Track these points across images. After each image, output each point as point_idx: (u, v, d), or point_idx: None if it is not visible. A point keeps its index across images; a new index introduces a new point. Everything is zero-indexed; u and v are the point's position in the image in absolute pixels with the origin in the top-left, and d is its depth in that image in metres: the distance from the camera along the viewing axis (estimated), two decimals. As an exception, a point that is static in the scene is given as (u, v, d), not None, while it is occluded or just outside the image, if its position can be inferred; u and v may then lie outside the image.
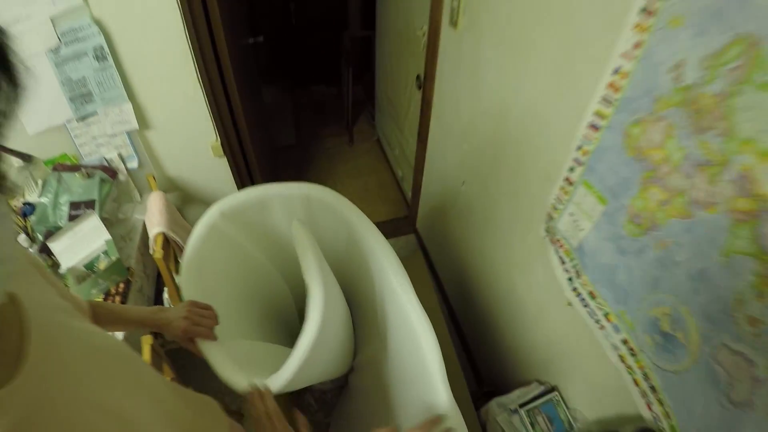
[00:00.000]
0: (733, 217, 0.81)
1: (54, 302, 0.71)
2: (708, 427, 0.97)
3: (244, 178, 2.61)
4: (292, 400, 2.02)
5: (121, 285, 1.84)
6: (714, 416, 0.95)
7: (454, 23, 1.88)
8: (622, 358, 1.22)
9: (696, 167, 0.86)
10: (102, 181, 2.07)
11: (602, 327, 1.25)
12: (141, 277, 2.00)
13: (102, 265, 1.78)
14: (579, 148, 1.15)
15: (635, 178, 1.00)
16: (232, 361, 1.16)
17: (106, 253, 1.81)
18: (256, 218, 1.52)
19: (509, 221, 1.70)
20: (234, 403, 2.17)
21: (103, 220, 1.94)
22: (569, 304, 1.38)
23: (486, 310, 2.12)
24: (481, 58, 1.70)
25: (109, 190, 2.10)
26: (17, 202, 2.00)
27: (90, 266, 1.78)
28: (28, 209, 1.97)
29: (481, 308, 2.17)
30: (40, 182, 2.04)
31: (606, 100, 1.03)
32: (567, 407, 1.58)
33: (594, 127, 1.08)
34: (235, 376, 1.13)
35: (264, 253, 1.64)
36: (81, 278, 1.73)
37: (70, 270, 1.76)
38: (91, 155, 2.14)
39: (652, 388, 1.13)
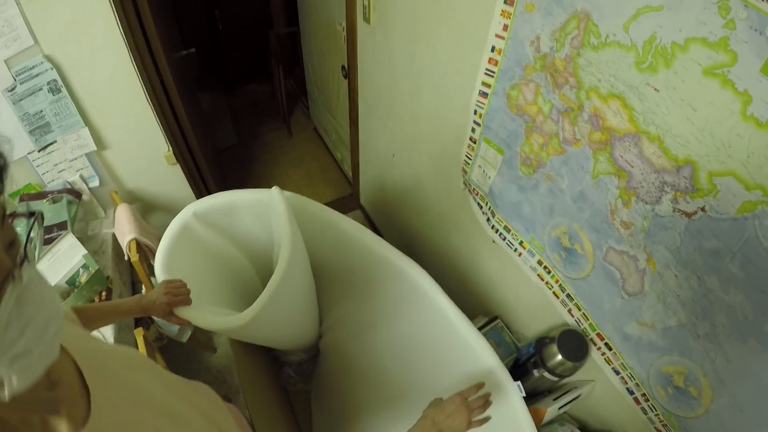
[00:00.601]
0: (593, 147, 1.05)
1: (73, 332, 0.74)
2: (617, 318, 1.16)
3: (197, 181, 2.72)
4: (274, 373, 2.16)
5: (103, 293, 1.91)
6: (618, 308, 1.14)
7: (367, 19, 2.07)
8: (540, 277, 1.45)
9: (561, 114, 1.11)
10: (69, 202, 2.13)
11: (520, 254, 1.50)
12: (119, 284, 2.08)
13: (83, 278, 1.84)
14: (476, 112, 1.39)
15: (520, 129, 1.26)
16: (207, 312, 1.31)
17: (85, 266, 1.87)
18: (226, 219, 1.66)
19: (435, 181, 1.93)
20: (221, 391, 2.27)
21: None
22: (493, 241, 1.63)
23: (430, 265, 2.28)
24: (393, 48, 1.90)
25: (77, 210, 2.16)
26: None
27: (71, 281, 1.83)
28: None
29: (426, 264, 2.34)
30: (9, 215, 2.08)
31: (489, 72, 1.28)
32: (510, 331, 1.81)
33: (483, 94, 1.33)
34: (214, 318, 1.28)
35: (238, 248, 1.80)
36: (65, 294, 1.79)
37: (54, 288, 1.80)
38: (54, 181, 2.21)
39: (569, 297, 1.34)
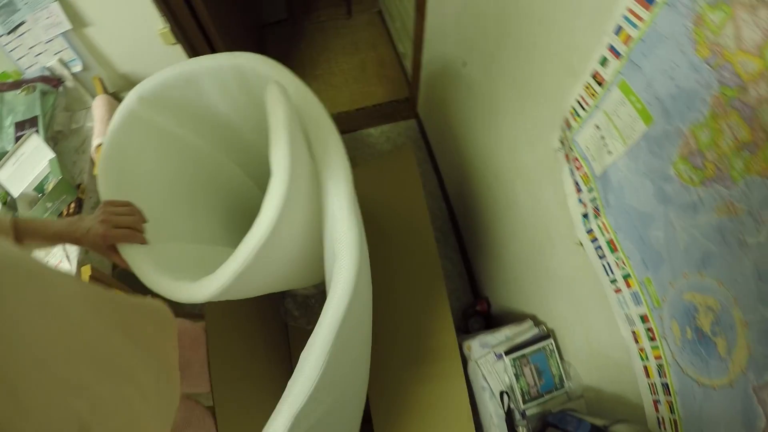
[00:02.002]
0: None
1: None
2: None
3: None
4: (271, 305, 1.96)
5: (72, 205, 1.80)
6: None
7: None
8: (636, 337, 0.96)
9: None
10: (43, 94, 1.98)
11: (618, 290, 0.96)
12: (95, 192, 1.90)
13: (50, 186, 1.75)
14: (618, 31, 0.74)
15: (705, 94, 0.62)
16: (155, 266, 1.07)
17: (51, 173, 1.78)
18: (184, 99, 1.33)
19: (515, 119, 1.35)
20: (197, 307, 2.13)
21: (57, 133, 1.98)
22: (580, 244, 1.07)
23: (486, 218, 1.84)
24: None
25: (55, 101, 2.02)
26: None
27: (40, 189, 1.77)
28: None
29: (481, 214, 1.89)
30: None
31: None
32: (561, 359, 1.34)
33: (646, 0, 0.67)
34: (160, 280, 1.05)
35: (205, 138, 1.46)
36: (32, 203, 1.72)
37: (21, 197, 1.73)
38: (32, 67, 2.06)
39: (666, 388, 0.91)
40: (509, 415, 1.32)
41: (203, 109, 1.36)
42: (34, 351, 0.66)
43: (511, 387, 1.33)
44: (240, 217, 1.60)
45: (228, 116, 1.40)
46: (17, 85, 2.00)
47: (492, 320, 1.96)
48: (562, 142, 1.03)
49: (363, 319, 1.22)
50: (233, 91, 1.30)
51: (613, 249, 0.93)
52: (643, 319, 0.91)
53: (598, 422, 1.07)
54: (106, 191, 1.17)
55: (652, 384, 0.94)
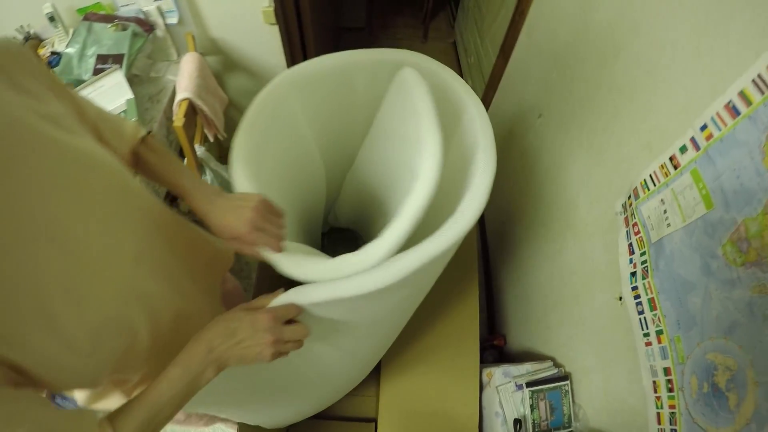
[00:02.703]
0: None
1: (40, 109, 0.69)
2: None
3: (296, 51, 2.46)
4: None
5: None
6: None
7: None
8: (655, 387, 1.13)
9: None
10: (135, 35, 2.02)
11: (649, 343, 1.14)
12: (163, 143, 1.97)
13: None
14: (703, 128, 0.94)
15: (761, 196, 0.82)
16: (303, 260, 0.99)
17: (125, 112, 1.81)
18: (329, 93, 1.36)
19: (581, 177, 1.53)
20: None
21: (134, 77, 2.01)
22: (620, 299, 1.25)
23: (523, 260, 2.01)
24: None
25: (142, 45, 2.06)
26: (45, 51, 2.03)
27: None
28: (55, 59, 1.97)
29: (518, 257, 2.07)
30: (71, 31, 2.05)
31: (760, 84, 0.82)
32: (573, 401, 1.51)
33: (733, 110, 0.87)
34: (308, 263, 0.96)
35: (313, 131, 1.46)
36: None
37: None
38: (128, 6, 2.10)
39: None
40: (515, 443, 1.49)
41: (338, 101, 1.39)
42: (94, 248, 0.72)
43: (525, 417, 1.51)
44: (306, 220, 1.60)
45: (352, 110, 1.43)
46: (108, 19, 2.03)
47: (505, 356, 2.14)
48: (624, 207, 1.23)
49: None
50: (383, 89, 1.30)
51: (652, 307, 1.12)
52: (666, 371, 1.08)
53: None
54: (241, 175, 1.11)
55: (661, 430, 1.10)
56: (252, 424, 1.56)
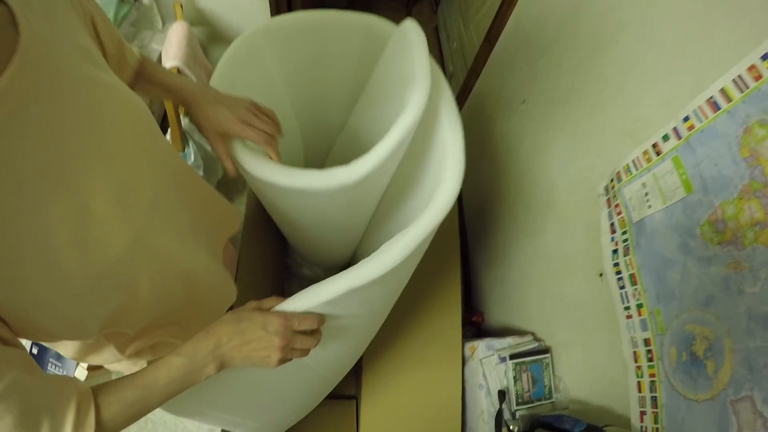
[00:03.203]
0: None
1: (74, 42, 0.70)
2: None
3: None
4: (273, 289, 2.04)
5: None
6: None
7: None
8: (636, 357, 1.24)
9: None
10: (121, 1, 2.01)
11: (629, 316, 1.25)
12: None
13: None
14: (686, 119, 1.05)
15: (737, 182, 0.93)
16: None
17: None
18: (300, 48, 1.41)
19: (564, 161, 1.63)
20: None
21: None
22: (601, 275, 1.37)
23: (503, 238, 2.12)
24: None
25: (128, 12, 2.07)
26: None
27: None
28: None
29: (499, 236, 2.18)
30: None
31: (740, 83, 0.93)
32: (553, 374, 1.63)
33: (714, 105, 0.98)
34: (288, 171, 1.00)
35: (290, 93, 1.52)
36: None
37: None
38: None
39: (654, 401, 1.17)
40: (499, 414, 1.60)
41: (313, 62, 1.43)
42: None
43: (508, 389, 1.62)
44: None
45: (327, 73, 1.48)
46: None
47: (483, 333, 2.24)
48: (606, 189, 1.34)
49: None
50: (353, 50, 1.39)
51: (633, 282, 1.23)
52: (646, 342, 1.19)
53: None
54: None
55: (641, 397, 1.22)
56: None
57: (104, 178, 0.71)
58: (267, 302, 0.91)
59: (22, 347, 0.66)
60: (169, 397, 0.78)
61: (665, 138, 1.12)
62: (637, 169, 1.22)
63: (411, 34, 1.13)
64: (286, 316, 0.87)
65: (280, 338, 0.84)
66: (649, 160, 1.18)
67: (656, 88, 1.18)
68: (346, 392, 1.91)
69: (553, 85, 1.71)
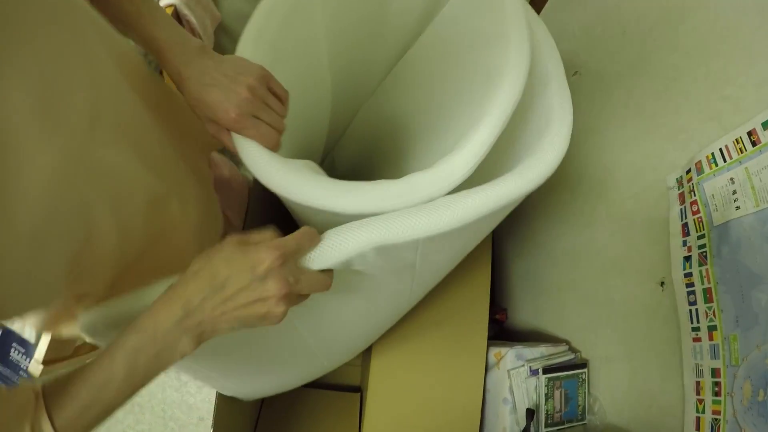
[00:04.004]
0: None
1: None
2: None
3: None
4: None
5: None
6: None
7: None
8: (698, 388, 1.09)
9: None
10: None
11: (697, 339, 1.10)
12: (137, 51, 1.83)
13: None
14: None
15: None
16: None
17: None
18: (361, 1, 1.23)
19: (624, 144, 1.46)
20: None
21: None
22: (662, 284, 1.21)
23: (538, 226, 1.97)
24: None
25: None
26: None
27: None
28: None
29: (534, 220, 2.01)
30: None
31: None
32: (588, 392, 1.49)
33: None
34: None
35: (331, 53, 1.31)
36: None
37: None
38: None
39: None
40: (524, 434, 1.46)
41: (369, 20, 1.28)
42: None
43: (538, 407, 1.47)
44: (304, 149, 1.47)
45: (379, 34, 1.33)
46: None
47: (505, 332, 2.11)
48: (679, 182, 1.16)
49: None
50: (417, 11, 1.25)
51: (707, 299, 1.07)
52: (714, 372, 1.04)
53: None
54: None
55: None
56: (228, 394, 1.51)
57: (20, 82, 0.53)
58: (256, 235, 0.68)
59: None
60: (136, 390, 0.61)
61: (766, 125, 0.94)
62: (725, 161, 1.04)
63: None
64: (281, 245, 0.65)
65: (279, 282, 0.62)
66: (741, 151, 1.00)
67: (755, 66, 1.00)
68: (349, 383, 1.85)
69: (615, 56, 1.54)
